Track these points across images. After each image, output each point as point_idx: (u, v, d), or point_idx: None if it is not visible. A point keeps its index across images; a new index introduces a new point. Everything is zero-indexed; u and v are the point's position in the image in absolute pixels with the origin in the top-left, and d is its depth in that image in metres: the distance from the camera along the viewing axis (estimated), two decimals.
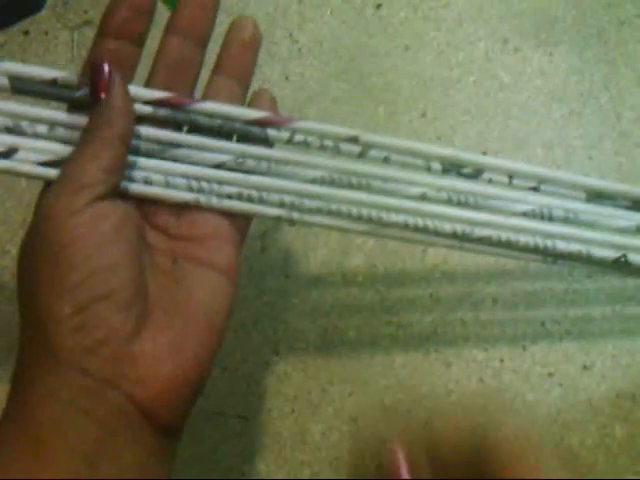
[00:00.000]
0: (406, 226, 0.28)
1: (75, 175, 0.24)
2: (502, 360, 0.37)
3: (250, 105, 0.29)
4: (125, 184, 0.26)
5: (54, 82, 0.27)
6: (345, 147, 0.28)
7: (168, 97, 0.27)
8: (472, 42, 0.42)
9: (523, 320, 0.38)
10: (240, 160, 0.28)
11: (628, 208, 0.29)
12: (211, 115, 0.27)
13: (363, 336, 0.38)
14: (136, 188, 0.26)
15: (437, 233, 0.28)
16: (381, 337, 0.38)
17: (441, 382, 0.37)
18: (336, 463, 0.37)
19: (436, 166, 0.28)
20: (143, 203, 0.26)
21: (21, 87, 0.27)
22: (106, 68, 0.25)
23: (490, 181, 0.29)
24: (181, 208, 0.27)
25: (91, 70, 0.25)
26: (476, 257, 0.38)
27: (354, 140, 0.28)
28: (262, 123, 0.28)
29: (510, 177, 0.29)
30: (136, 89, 0.27)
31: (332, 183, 0.28)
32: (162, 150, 0.27)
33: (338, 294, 0.39)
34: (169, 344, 0.24)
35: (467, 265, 0.38)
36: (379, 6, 0.43)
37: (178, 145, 0.27)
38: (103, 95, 0.25)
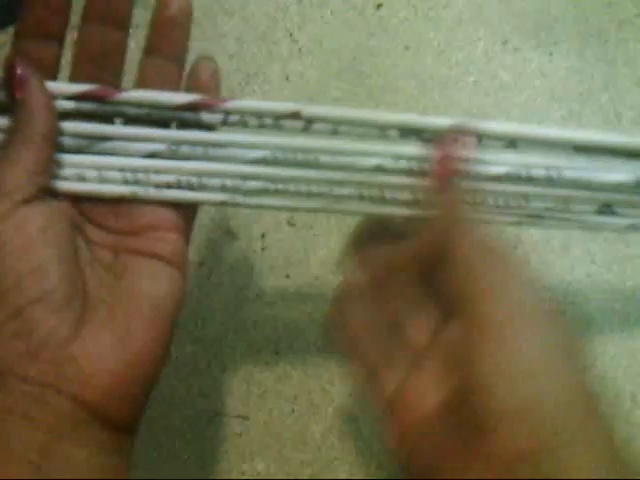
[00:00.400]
0: (361, 198, 0.27)
1: (1, 180, 0.23)
2: None
3: (190, 79, 0.27)
4: (56, 182, 0.25)
5: None
6: (288, 123, 0.26)
7: (91, 90, 0.26)
8: (472, 42, 0.42)
9: None
10: (174, 147, 0.26)
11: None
12: (139, 104, 0.26)
13: None
14: (68, 186, 0.26)
15: (396, 203, 0.27)
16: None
17: None
18: (336, 463, 0.37)
19: (393, 133, 0.27)
20: (79, 200, 0.26)
21: None
22: (19, 68, 0.24)
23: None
24: (118, 202, 0.26)
25: (5, 71, 0.25)
26: None
27: (296, 116, 0.26)
28: (193, 107, 0.26)
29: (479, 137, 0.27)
30: (56, 85, 0.26)
31: (276, 162, 0.26)
32: (91, 144, 0.26)
33: None
34: (112, 340, 0.23)
35: None
36: (379, 6, 0.43)
37: (107, 138, 0.26)
38: (19, 95, 0.24)
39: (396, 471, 0.36)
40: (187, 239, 0.27)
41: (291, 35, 0.43)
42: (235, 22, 0.43)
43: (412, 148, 0.26)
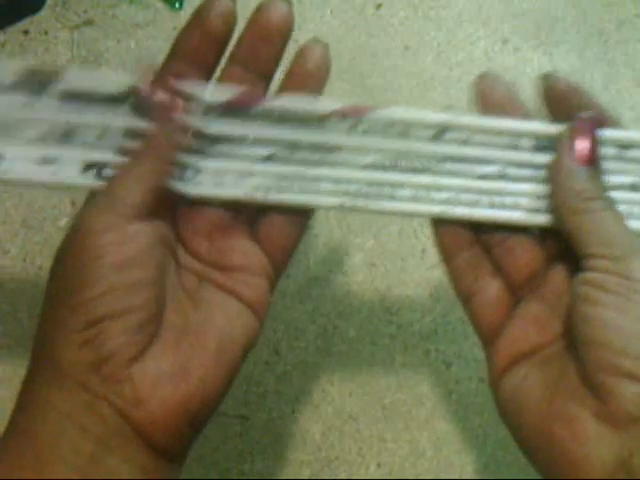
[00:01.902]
0: (478, 204, 0.27)
1: (116, 194, 0.24)
2: None
3: (298, 63, 0.26)
4: (184, 186, 0.26)
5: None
6: (419, 132, 0.26)
7: (238, 96, 0.26)
8: (472, 42, 0.42)
9: None
10: (291, 151, 0.26)
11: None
12: (282, 111, 0.26)
13: (363, 336, 0.38)
14: (203, 190, 0.26)
15: (517, 208, 0.27)
16: (381, 337, 0.38)
17: (441, 382, 0.37)
18: (336, 463, 0.37)
19: (526, 144, 0.27)
20: (180, 225, 0.26)
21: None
22: (168, 96, 0.25)
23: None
24: (216, 232, 0.26)
25: (158, 91, 0.25)
26: None
27: (443, 127, 0.26)
28: (338, 115, 0.26)
29: None
30: (203, 88, 0.26)
31: (395, 168, 0.26)
32: (216, 148, 0.26)
33: (338, 294, 0.39)
34: (172, 368, 0.23)
35: None
36: (379, 6, 0.43)
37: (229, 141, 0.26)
38: (161, 122, 0.25)
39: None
40: (272, 288, 0.27)
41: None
42: None
43: (541, 157, 0.27)
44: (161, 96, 0.25)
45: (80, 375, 0.22)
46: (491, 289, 0.27)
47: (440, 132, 0.26)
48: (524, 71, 0.42)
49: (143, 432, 0.22)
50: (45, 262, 0.39)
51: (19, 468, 0.22)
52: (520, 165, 0.27)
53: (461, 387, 0.37)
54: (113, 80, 0.26)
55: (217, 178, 0.26)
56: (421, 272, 0.38)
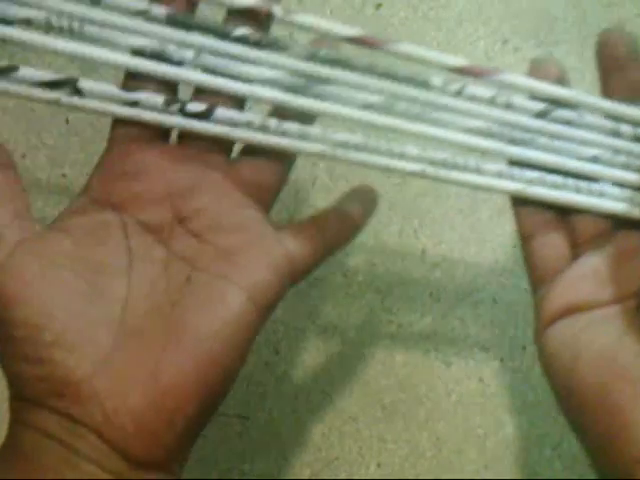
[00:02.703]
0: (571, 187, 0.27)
1: None
2: (502, 360, 0.37)
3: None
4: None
5: None
6: (520, 102, 0.27)
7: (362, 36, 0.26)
8: (472, 42, 0.42)
9: (523, 320, 0.38)
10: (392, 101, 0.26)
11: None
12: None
13: (363, 336, 0.38)
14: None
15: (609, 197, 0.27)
16: (381, 337, 0.38)
17: (441, 382, 0.37)
18: (336, 463, 0.37)
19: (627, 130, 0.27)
20: (187, 196, 0.25)
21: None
22: None
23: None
24: (227, 203, 0.25)
25: None
26: (477, 256, 0.38)
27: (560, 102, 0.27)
28: (466, 71, 0.26)
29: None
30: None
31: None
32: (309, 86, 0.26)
33: (338, 294, 0.39)
34: (140, 374, 0.22)
35: (467, 264, 0.38)
36: (379, 6, 0.43)
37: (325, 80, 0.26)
38: None
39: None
40: (282, 284, 0.25)
41: (291, 35, 0.43)
42: None
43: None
44: None
45: (47, 403, 0.22)
46: (555, 234, 0.27)
47: (547, 110, 0.26)
48: (524, 71, 0.42)
49: (120, 447, 0.22)
50: None
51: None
52: (617, 152, 0.26)
53: (461, 387, 0.37)
54: None
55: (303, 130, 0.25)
56: (421, 272, 0.38)
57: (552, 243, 0.27)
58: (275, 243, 0.25)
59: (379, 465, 0.37)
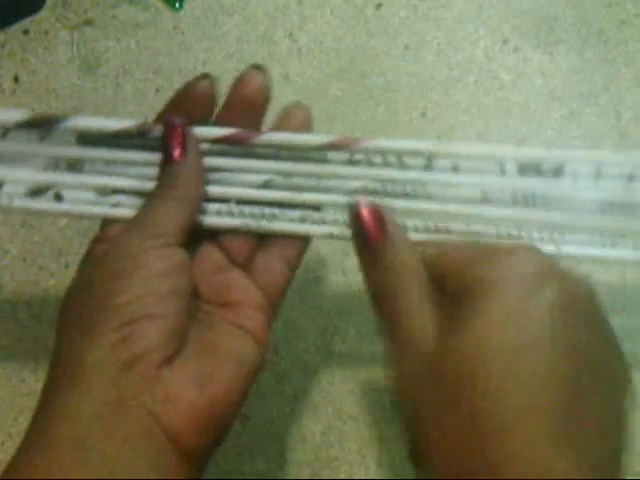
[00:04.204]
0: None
1: (152, 224, 0.26)
2: None
3: (283, 121, 0.29)
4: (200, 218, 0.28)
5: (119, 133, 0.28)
6: (411, 161, 0.28)
7: (232, 134, 0.28)
8: (472, 42, 0.42)
9: None
10: (285, 178, 0.28)
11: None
12: (277, 146, 0.28)
13: (363, 336, 0.38)
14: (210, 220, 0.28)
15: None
16: (381, 337, 0.38)
17: None
18: (336, 463, 0.37)
19: (511, 168, 0.27)
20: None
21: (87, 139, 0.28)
22: (180, 128, 0.27)
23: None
24: (215, 274, 0.28)
25: (165, 128, 0.27)
26: None
27: (430, 155, 0.28)
28: (329, 147, 0.28)
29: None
30: (200, 129, 0.28)
31: (386, 194, 0.28)
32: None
33: (338, 294, 0.39)
34: (198, 374, 0.24)
35: None
36: (379, 6, 0.43)
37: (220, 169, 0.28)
38: (177, 153, 0.27)
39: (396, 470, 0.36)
40: (270, 321, 0.28)
41: (291, 35, 0.43)
42: (235, 22, 0.43)
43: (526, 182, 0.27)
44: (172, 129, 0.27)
45: (110, 374, 0.23)
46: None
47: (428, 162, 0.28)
48: (524, 71, 0.42)
49: (172, 432, 0.23)
50: (45, 262, 0.39)
51: (42, 473, 0.21)
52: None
53: None
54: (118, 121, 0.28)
55: (216, 206, 0.28)
56: None
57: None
58: (258, 292, 0.28)
59: (379, 465, 0.37)
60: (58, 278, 0.39)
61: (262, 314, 0.28)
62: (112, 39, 0.43)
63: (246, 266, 0.29)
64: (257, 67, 0.28)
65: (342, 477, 0.36)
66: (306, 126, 0.29)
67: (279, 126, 0.29)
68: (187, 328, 0.25)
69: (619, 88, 0.41)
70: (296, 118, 0.29)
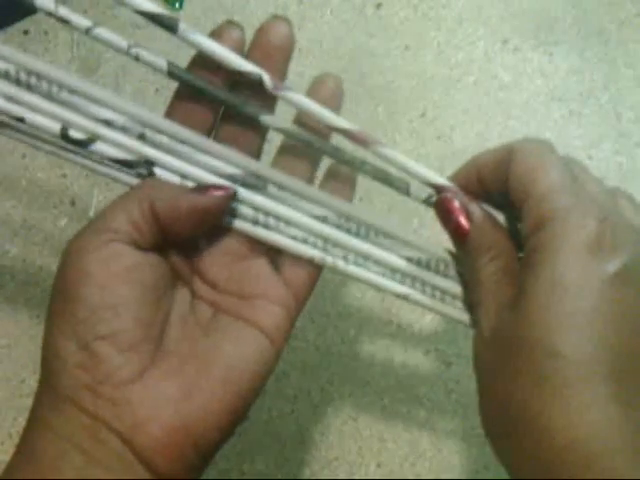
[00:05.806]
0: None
1: (102, 218, 0.24)
2: None
3: (314, 89, 0.28)
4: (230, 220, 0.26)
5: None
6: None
7: None
8: (472, 42, 0.42)
9: None
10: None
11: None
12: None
13: (363, 336, 0.38)
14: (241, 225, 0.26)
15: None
16: (381, 337, 0.38)
17: (441, 382, 0.37)
18: (336, 463, 0.37)
19: None
20: (197, 256, 0.26)
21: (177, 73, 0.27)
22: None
23: None
24: (236, 261, 0.26)
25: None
26: None
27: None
28: (346, 134, 0.27)
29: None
30: None
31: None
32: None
33: (338, 294, 0.39)
34: (173, 391, 0.23)
35: None
36: (379, 6, 0.43)
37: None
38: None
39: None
40: (292, 319, 0.27)
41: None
42: None
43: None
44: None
45: (78, 398, 0.22)
46: None
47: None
48: (524, 71, 0.42)
49: (144, 457, 0.22)
50: (45, 262, 0.39)
51: None
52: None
53: (461, 387, 0.37)
54: None
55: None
56: None
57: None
58: (282, 286, 0.27)
59: (379, 465, 0.37)
60: None
61: (283, 311, 0.26)
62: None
63: (272, 256, 0.27)
64: (278, 17, 0.27)
65: (342, 477, 0.36)
66: (337, 95, 0.28)
67: (310, 94, 0.28)
68: (157, 336, 0.24)
69: (619, 88, 0.41)
70: (327, 86, 0.28)
